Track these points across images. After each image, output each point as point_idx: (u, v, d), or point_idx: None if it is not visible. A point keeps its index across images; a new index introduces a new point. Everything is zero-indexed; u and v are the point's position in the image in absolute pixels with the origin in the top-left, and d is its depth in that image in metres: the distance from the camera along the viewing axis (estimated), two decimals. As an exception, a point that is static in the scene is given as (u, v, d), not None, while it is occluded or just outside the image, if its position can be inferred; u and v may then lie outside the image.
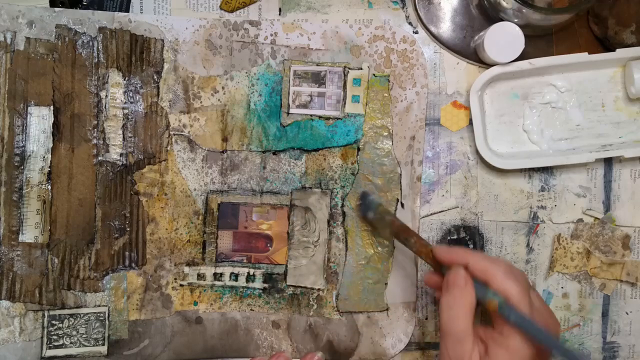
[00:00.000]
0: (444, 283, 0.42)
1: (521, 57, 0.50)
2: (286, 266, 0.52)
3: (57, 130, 0.51)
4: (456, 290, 0.41)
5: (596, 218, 0.53)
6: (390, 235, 0.51)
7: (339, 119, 0.52)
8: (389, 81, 0.52)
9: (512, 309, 0.39)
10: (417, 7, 0.53)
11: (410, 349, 0.53)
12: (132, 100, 0.51)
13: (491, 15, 0.52)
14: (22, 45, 0.51)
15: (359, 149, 0.52)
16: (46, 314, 0.51)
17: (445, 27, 0.53)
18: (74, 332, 0.51)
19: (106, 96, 0.51)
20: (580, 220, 0.53)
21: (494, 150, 0.52)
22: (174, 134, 0.52)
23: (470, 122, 0.52)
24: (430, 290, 0.53)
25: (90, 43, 0.51)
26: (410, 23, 0.53)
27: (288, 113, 0.52)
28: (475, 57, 0.52)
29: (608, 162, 0.53)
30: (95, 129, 0.51)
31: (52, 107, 0.51)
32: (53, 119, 0.51)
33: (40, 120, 0.51)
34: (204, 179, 0.52)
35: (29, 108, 0.51)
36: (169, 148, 0.52)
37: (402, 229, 0.48)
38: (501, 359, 0.39)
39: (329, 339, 0.53)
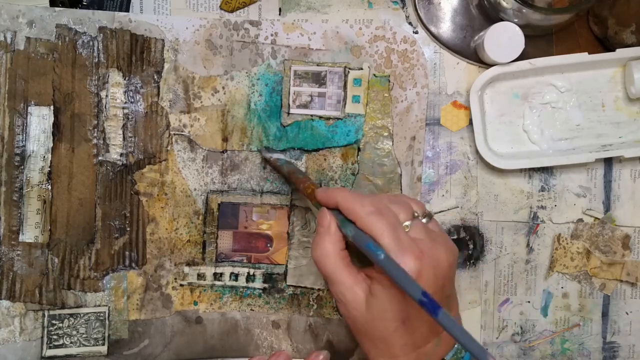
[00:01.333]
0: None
1: (521, 57, 0.50)
2: (286, 266, 0.52)
3: (57, 130, 0.51)
4: (320, 229, 0.41)
5: (596, 218, 0.53)
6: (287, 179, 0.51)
7: (340, 119, 0.52)
8: (389, 81, 0.52)
9: (374, 248, 0.37)
10: (417, 7, 0.53)
11: (410, 349, 0.53)
12: (132, 100, 0.51)
13: (491, 15, 0.52)
14: (23, 45, 0.51)
15: (359, 149, 0.52)
16: (46, 314, 0.51)
17: (445, 27, 0.53)
18: (74, 332, 0.51)
19: (106, 96, 0.51)
20: (580, 220, 0.54)
21: (494, 150, 0.52)
22: (174, 134, 0.52)
23: (470, 122, 0.52)
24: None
25: (91, 43, 0.51)
26: (410, 23, 0.53)
27: (288, 113, 0.52)
28: (475, 57, 0.52)
29: (608, 162, 0.54)
30: (96, 129, 0.51)
31: (52, 107, 0.51)
32: (53, 118, 0.51)
33: (40, 120, 0.51)
34: (204, 178, 0.52)
35: (29, 108, 0.51)
36: (169, 148, 0.52)
37: (294, 175, 0.48)
38: (380, 295, 0.38)
39: (329, 339, 0.53)
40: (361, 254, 0.39)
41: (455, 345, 0.41)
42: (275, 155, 0.51)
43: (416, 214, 0.41)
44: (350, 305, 0.39)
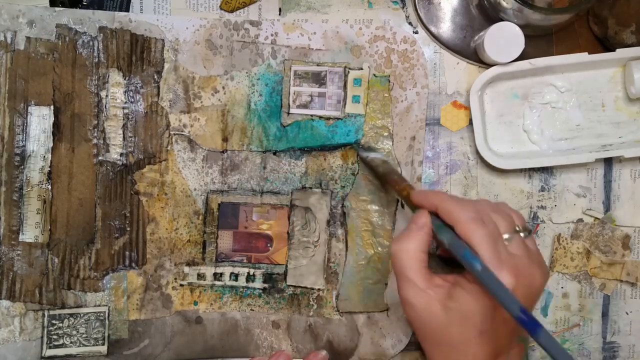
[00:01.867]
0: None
1: (521, 57, 0.50)
2: (286, 266, 0.52)
3: (57, 129, 0.51)
4: (412, 226, 0.40)
5: (596, 218, 0.53)
6: (382, 180, 0.51)
7: (340, 119, 0.52)
8: (389, 81, 0.52)
9: (471, 258, 0.36)
10: (417, 7, 0.53)
11: (410, 349, 0.53)
12: (132, 100, 0.51)
13: (491, 15, 0.52)
14: (23, 45, 0.51)
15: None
16: (46, 314, 0.51)
17: (445, 27, 0.53)
18: (74, 332, 0.51)
19: (106, 96, 0.51)
20: (580, 220, 0.54)
21: (494, 150, 0.52)
22: (174, 134, 0.52)
23: (470, 122, 0.52)
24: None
25: (91, 43, 0.51)
26: (410, 23, 0.53)
27: (288, 113, 0.52)
28: (475, 57, 0.52)
29: (608, 162, 0.54)
30: (96, 129, 0.51)
31: (52, 107, 0.51)
32: (53, 118, 0.51)
33: (40, 119, 0.51)
34: (204, 178, 0.52)
35: (29, 108, 0.51)
36: (169, 148, 0.52)
37: (397, 177, 0.47)
38: (463, 301, 0.37)
39: (329, 339, 0.53)
40: (444, 262, 0.39)
41: None
42: (372, 155, 0.51)
43: (517, 228, 0.39)
44: (420, 308, 0.38)
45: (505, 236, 0.38)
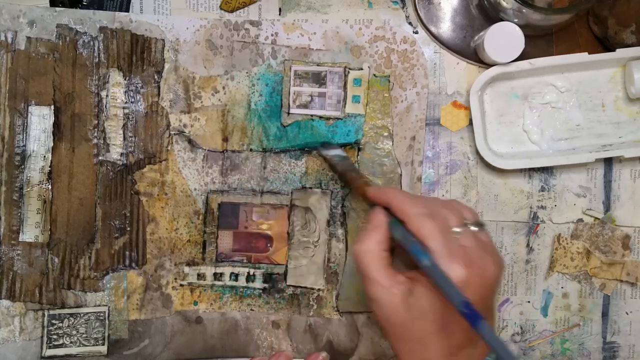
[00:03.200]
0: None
1: (521, 57, 0.50)
2: (286, 266, 0.52)
3: (57, 129, 0.51)
4: (369, 226, 0.40)
5: (596, 218, 0.53)
6: (341, 177, 0.51)
7: (340, 119, 0.52)
8: (389, 81, 0.52)
9: (419, 253, 0.36)
10: (417, 7, 0.53)
11: (410, 349, 0.53)
12: (132, 100, 0.51)
13: (491, 15, 0.52)
14: (23, 45, 0.51)
15: (359, 149, 0.52)
16: (46, 314, 0.51)
17: (445, 27, 0.53)
18: (74, 332, 0.51)
19: (107, 96, 0.51)
20: (580, 220, 0.54)
21: (494, 150, 0.52)
22: (175, 134, 0.52)
23: (470, 122, 0.52)
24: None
25: (91, 43, 0.51)
26: (410, 23, 0.53)
27: (288, 113, 0.52)
28: (475, 57, 0.53)
29: (608, 162, 0.54)
30: (96, 129, 0.51)
31: (52, 107, 0.51)
32: (54, 118, 0.51)
33: (40, 119, 0.51)
34: (204, 178, 0.52)
35: (29, 107, 0.51)
36: (169, 148, 0.52)
37: (353, 173, 0.48)
38: (422, 297, 0.37)
39: (329, 339, 0.53)
40: (408, 257, 0.39)
41: (488, 358, 0.40)
42: (332, 152, 0.51)
43: (467, 222, 0.40)
44: (385, 306, 0.39)
45: (456, 230, 0.39)
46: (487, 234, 0.41)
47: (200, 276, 0.52)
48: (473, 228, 0.40)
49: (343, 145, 0.52)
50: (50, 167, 0.51)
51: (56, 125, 0.51)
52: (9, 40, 0.51)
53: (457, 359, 0.38)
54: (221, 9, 0.53)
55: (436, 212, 0.39)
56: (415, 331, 0.38)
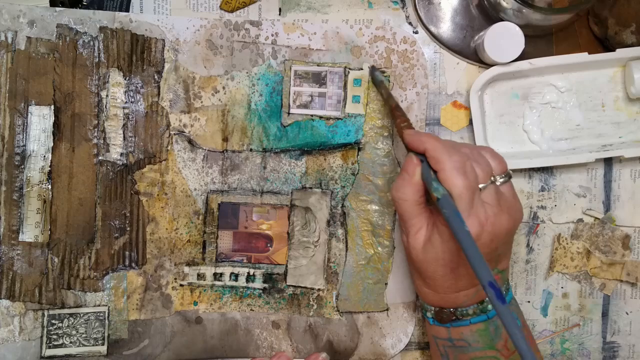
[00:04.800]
0: (403, 163, 0.45)
1: (521, 57, 0.50)
2: (286, 266, 0.52)
3: (57, 129, 0.51)
4: (404, 174, 0.43)
5: (596, 218, 0.53)
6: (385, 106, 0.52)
7: (340, 119, 0.52)
8: (389, 82, 0.52)
9: (447, 204, 0.39)
10: (417, 7, 0.53)
11: (410, 349, 0.53)
12: (132, 99, 0.51)
13: (491, 15, 0.52)
14: (23, 45, 0.51)
15: (359, 149, 0.52)
16: (46, 314, 0.51)
17: (445, 27, 0.53)
18: (74, 332, 0.51)
19: (107, 96, 0.51)
20: (580, 220, 0.54)
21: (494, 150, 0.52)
22: (175, 134, 0.52)
23: (470, 122, 0.52)
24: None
25: (91, 43, 0.51)
26: (410, 23, 0.53)
27: (289, 113, 0.52)
28: (475, 57, 0.53)
29: (608, 162, 0.54)
30: (96, 129, 0.51)
31: (52, 107, 0.51)
32: (54, 118, 0.51)
33: (40, 119, 0.51)
34: (204, 178, 0.52)
35: (29, 107, 0.51)
36: (169, 148, 0.52)
37: (394, 106, 0.49)
38: (436, 243, 0.42)
39: (329, 339, 0.53)
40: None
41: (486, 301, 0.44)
42: (380, 77, 0.51)
43: (492, 178, 0.43)
44: (411, 244, 0.43)
45: (481, 185, 0.42)
46: (510, 187, 0.44)
47: (200, 276, 0.52)
48: (499, 181, 0.43)
49: (343, 146, 0.52)
50: (50, 167, 0.51)
51: (56, 125, 0.51)
52: (9, 40, 0.51)
53: (464, 293, 0.44)
54: (221, 9, 0.53)
55: (469, 167, 0.41)
56: (429, 270, 0.43)
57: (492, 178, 0.43)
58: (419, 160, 0.43)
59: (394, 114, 0.48)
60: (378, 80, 0.51)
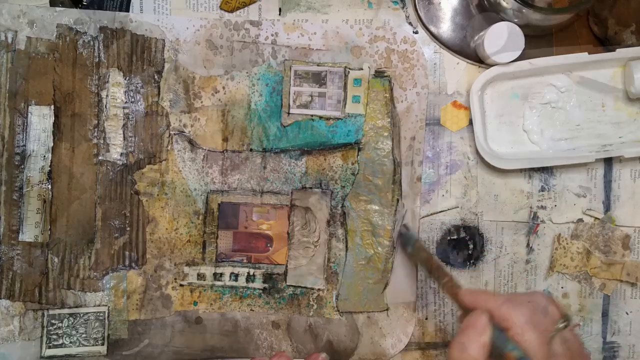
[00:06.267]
0: (464, 322, 0.41)
1: (521, 57, 0.50)
2: (286, 266, 0.52)
3: (57, 129, 0.51)
4: (471, 332, 0.40)
5: (596, 218, 0.53)
6: (424, 270, 0.51)
7: (340, 119, 0.52)
8: (389, 82, 0.52)
9: None
10: (417, 7, 0.53)
11: (410, 349, 0.53)
12: (132, 99, 0.51)
13: (491, 15, 0.52)
14: (23, 45, 0.51)
15: (359, 149, 0.52)
16: (46, 314, 0.51)
17: (445, 27, 0.53)
18: (74, 332, 0.51)
19: (107, 96, 0.51)
20: (580, 220, 0.53)
21: (494, 150, 0.52)
22: (175, 134, 0.52)
23: (470, 122, 0.52)
24: (430, 290, 0.53)
25: (91, 43, 0.51)
26: (410, 23, 0.53)
27: (289, 113, 0.52)
28: (475, 57, 0.53)
29: (608, 162, 0.54)
30: (96, 129, 0.51)
31: (52, 107, 0.51)
32: (54, 118, 0.51)
33: (40, 119, 0.51)
34: (205, 178, 0.52)
35: (29, 107, 0.51)
36: (169, 148, 0.52)
37: (436, 267, 0.48)
38: None
39: (329, 339, 0.52)
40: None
41: None
42: (409, 248, 0.51)
43: (558, 325, 0.41)
44: None
45: (550, 335, 0.40)
46: (573, 331, 0.42)
47: (200, 276, 0.52)
48: (561, 325, 0.41)
49: (343, 146, 0.52)
50: (50, 167, 0.51)
51: (56, 125, 0.51)
52: (9, 40, 0.51)
53: None
54: (221, 9, 0.53)
55: (536, 320, 0.40)
56: None
57: (558, 325, 0.41)
58: (488, 319, 0.40)
59: (439, 274, 0.47)
60: (413, 240, 0.51)
